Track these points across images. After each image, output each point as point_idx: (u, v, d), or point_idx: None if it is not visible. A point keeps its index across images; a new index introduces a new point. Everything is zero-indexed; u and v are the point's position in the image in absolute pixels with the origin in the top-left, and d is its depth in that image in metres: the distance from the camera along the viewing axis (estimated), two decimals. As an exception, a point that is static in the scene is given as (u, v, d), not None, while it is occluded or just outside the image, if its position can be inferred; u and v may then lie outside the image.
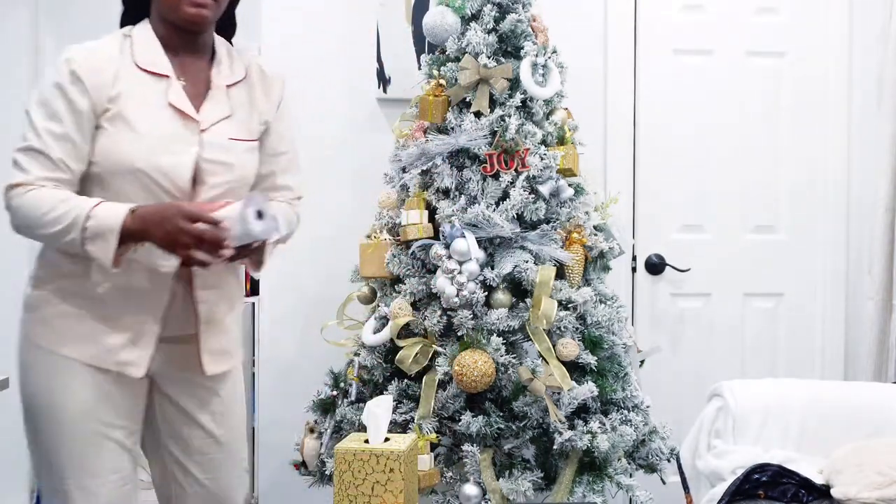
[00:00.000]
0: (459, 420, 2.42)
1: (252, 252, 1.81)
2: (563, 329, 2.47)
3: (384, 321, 2.55)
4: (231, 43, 2.03)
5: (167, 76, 1.84)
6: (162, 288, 1.83)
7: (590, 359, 2.46)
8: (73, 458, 1.81)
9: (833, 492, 2.30)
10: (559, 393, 2.40)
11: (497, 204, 2.50)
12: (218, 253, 1.69)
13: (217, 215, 1.70)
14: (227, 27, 2.02)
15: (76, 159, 1.78)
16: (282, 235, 1.88)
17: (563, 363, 2.42)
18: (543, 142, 2.57)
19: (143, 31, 1.87)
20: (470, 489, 2.40)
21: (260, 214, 1.70)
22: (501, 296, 2.47)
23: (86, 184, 1.83)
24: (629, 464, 2.54)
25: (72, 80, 1.76)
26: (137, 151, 1.78)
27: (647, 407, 2.60)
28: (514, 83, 2.55)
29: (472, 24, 2.56)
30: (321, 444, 2.64)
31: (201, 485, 1.96)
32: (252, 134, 1.94)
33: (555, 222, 2.54)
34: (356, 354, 2.62)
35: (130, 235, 1.71)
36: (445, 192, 2.55)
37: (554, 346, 2.44)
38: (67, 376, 1.81)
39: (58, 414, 1.81)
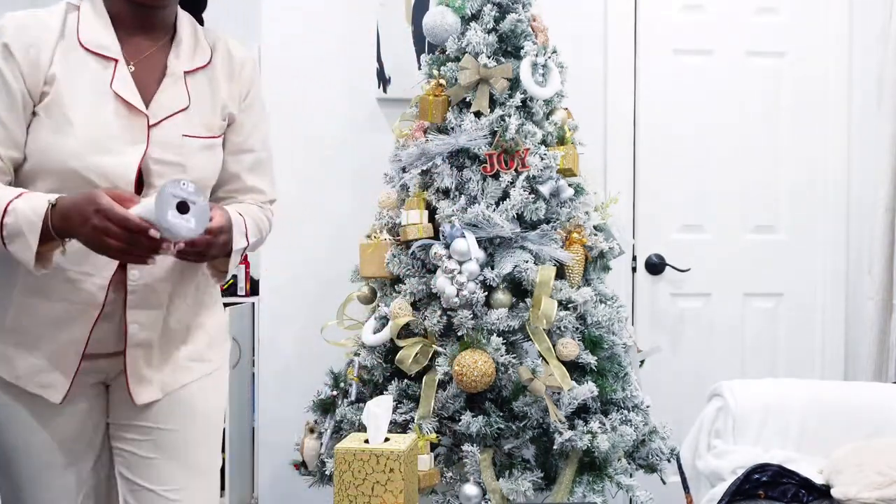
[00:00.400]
0: (459, 420, 2.42)
1: (202, 252, 1.52)
2: (563, 329, 2.47)
3: (384, 321, 2.55)
4: (201, 20, 1.77)
5: (114, 59, 1.58)
6: (90, 301, 1.59)
7: (590, 359, 2.46)
8: (28, 499, 1.65)
9: (833, 492, 2.30)
10: (559, 393, 2.40)
11: (497, 204, 2.50)
12: (154, 253, 1.46)
13: (139, 215, 1.41)
14: (195, 1, 1.77)
15: (8, 145, 1.54)
16: (248, 244, 1.69)
17: (563, 363, 2.42)
18: (543, 142, 2.57)
19: (93, 4, 1.61)
20: (470, 489, 2.40)
21: (184, 207, 1.41)
22: (501, 296, 2.47)
23: (16, 179, 1.59)
24: (629, 464, 2.54)
25: (3, 55, 1.53)
26: (72, 148, 1.53)
27: (647, 407, 2.60)
28: (514, 83, 2.55)
29: (472, 24, 2.56)
30: (321, 444, 2.64)
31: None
32: (211, 130, 1.68)
33: (555, 222, 2.54)
34: (356, 354, 2.62)
35: (55, 232, 1.46)
36: (445, 192, 2.55)
37: (554, 346, 2.44)
38: (8, 408, 1.63)
39: (5, 454, 1.65)
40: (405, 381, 2.51)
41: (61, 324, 1.60)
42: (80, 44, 1.57)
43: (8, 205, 1.47)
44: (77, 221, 1.43)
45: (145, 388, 1.67)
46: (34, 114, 1.55)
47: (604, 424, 2.44)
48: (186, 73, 1.66)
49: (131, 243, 1.42)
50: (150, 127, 1.59)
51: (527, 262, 2.46)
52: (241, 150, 1.76)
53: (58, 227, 1.45)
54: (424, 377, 2.47)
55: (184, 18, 1.70)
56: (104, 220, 1.40)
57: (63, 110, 1.54)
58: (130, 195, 1.48)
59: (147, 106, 1.60)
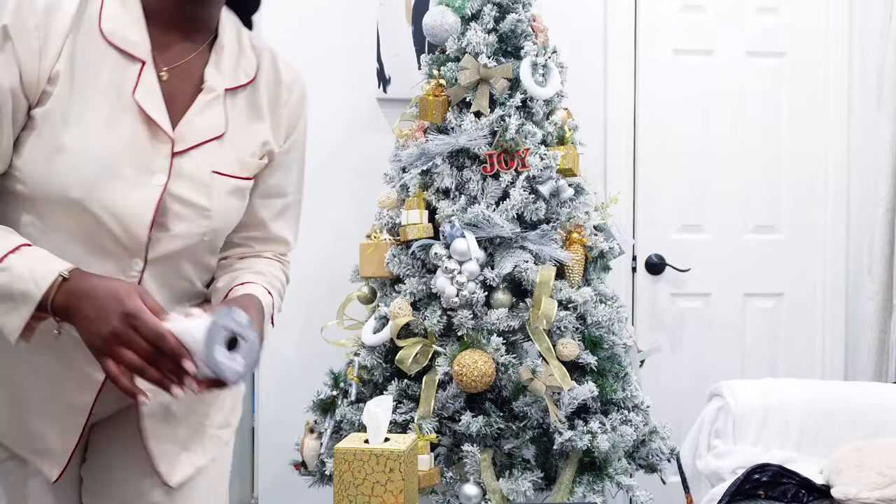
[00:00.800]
0: (459, 420, 2.42)
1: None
2: (563, 329, 2.47)
3: (384, 321, 2.55)
4: (249, 24, 1.43)
5: (141, 61, 1.24)
6: (89, 361, 1.21)
7: (590, 359, 2.46)
8: None
9: (833, 492, 2.30)
10: (559, 393, 2.40)
11: (497, 204, 2.50)
12: (171, 386, 1.14)
13: (175, 333, 1.13)
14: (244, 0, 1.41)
15: None
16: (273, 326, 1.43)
17: (564, 363, 2.42)
18: (543, 142, 2.57)
19: None
20: (470, 489, 2.40)
21: (232, 343, 1.16)
22: (501, 296, 2.47)
23: (8, 204, 1.25)
24: (629, 464, 2.54)
25: None
26: (77, 173, 1.19)
27: (648, 407, 2.60)
28: (514, 83, 2.55)
29: (472, 23, 2.56)
30: (321, 444, 2.64)
31: None
32: (245, 168, 1.34)
33: (555, 222, 2.54)
34: (356, 354, 2.62)
35: (51, 308, 1.15)
36: (445, 192, 2.55)
37: (554, 346, 2.44)
38: None
39: None
40: (405, 381, 2.51)
41: (55, 385, 1.28)
42: (102, 34, 1.22)
43: (5, 257, 1.16)
44: (91, 314, 1.13)
45: (176, 465, 1.36)
46: (30, 119, 1.21)
47: (604, 424, 2.44)
48: (228, 90, 1.32)
49: (153, 364, 1.13)
50: (174, 154, 1.25)
51: (527, 262, 2.46)
52: (273, 194, 1.43)
53: (59, 307, 1.15)
54: (424, 377, 2.47)
55: (227, 20, 1.35)
56: (130, 330, 1.12)
57: (67, 121, 1.19)
58: (159, 305, 1.17)
59: (174, 127, 1.27)
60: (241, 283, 1.36)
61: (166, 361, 1.12)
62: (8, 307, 1.15)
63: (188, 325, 1.15)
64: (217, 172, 1.29)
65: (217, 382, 1.17)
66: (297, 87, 1.42)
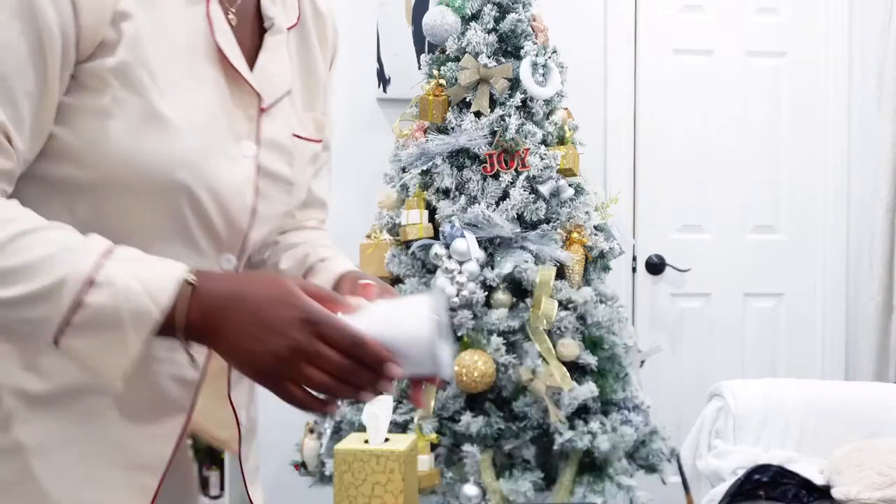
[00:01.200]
0: (459, 420, 2.42)
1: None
2: (563, 329, 2.46)
3: (384, 321, 2.55)
4: None
5: None
6: (167, 399, 0.94)
7: (590, 359, 2.46)
8: None
9: (833, 492, 2.30)
10: (559, 393, 2.40)
11: (497, 204, 2.50)
12: (364, 394, 0.86)
13: (370, 331, 0.84)
14: None
15: (31, 131, 0.85)
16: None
17: (564, 363, 2.42)
18: (543, 142, 2.57)
19: None
20: (470, 489, 2.40)
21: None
22: (501, 296, 2.47)
23: (44, 198, 0.89)
24: (629, 464, 2.54)
25: None
26: (181, 147, 0.89)
27: (648, 407, 2.60)
28: (514, 83, 2.54)
29: (472, 23, 2.56)
30: (321, 444, 2.63)
31: None
32: (320, 128, 1.13)
33: (555, 222, 2.54)
34: (356, 354, 2.61)
35: (185, 333, 0.83)
36: (445, 192, 2.54)
37: (554, 347, 2.43)
38: None
39: None
40: (405, 381, 2.51)
41: (116, 445, 0.92)
42: None
43: (94, 266, 0.81)
44: (251, 330, 0.82)
45: (258, 490, 1.14)
46: (72, 77, 0.87)
47: (604, 425, 2.44)
48: (288, 29, 1.05)
49: (349, 378, 0.83)
50: (260, 112, 0.98)
51: (527, 262, 2.46)
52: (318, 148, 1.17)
53: (195, 326, 0.83)
54: (424, 377, 2.47)
55: None
56: (316, 341, 0.82)
57: (156, 78, 0.88)
58: (330, 294, 0.87)
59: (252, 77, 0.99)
60: (321, 260, 1.12)
61: (365, 371, 0.84)
62: (112, 338, 0.81)
63: (383, 315, 0.88)
64: (296, 136, 1.04)
65: (424, 379, 0.93)
66: (331, 15, 1.19)
